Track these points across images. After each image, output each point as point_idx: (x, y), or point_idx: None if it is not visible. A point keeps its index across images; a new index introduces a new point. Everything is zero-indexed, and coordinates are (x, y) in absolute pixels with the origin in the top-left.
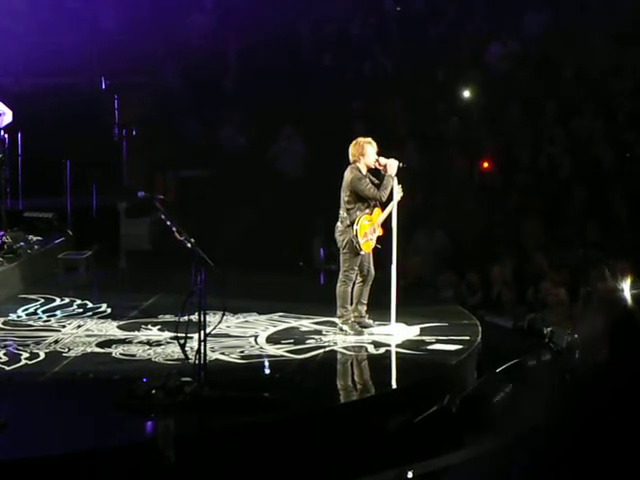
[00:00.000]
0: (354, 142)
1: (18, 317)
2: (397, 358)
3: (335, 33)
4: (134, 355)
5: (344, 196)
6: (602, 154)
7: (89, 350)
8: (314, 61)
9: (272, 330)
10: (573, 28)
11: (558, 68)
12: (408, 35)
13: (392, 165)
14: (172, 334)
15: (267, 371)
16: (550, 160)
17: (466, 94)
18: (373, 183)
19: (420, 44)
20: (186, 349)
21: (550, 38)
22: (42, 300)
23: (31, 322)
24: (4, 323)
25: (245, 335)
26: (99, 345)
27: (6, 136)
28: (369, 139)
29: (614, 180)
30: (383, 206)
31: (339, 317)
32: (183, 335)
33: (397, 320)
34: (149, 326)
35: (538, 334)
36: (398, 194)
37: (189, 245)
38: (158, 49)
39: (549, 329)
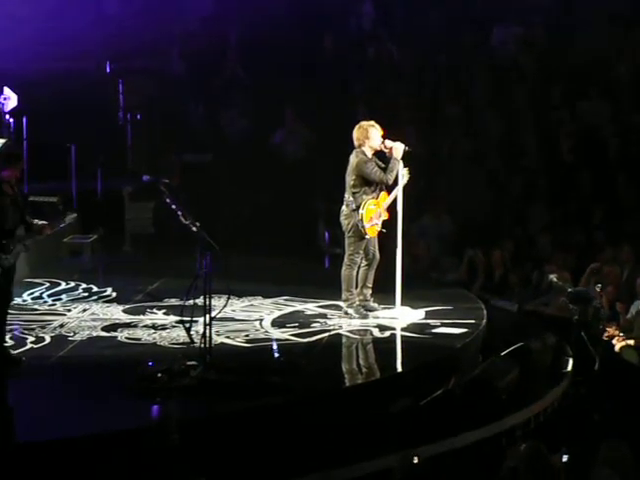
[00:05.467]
0: (357, 126)
1: (24, 301)
2: (402, 341)
3: (339, 16)
4: (139, 339)
5: (350, 180)
6: (608, 137)
7: (94, 334)
8: (317, 45)
9: (277, 314)
10: (577, 11)
11: (563, 52)
12: (412, 19)
13: (398, 148)
14: (177, 318)
15: (272, 355)
16: (555, 143)
17: (471, 78)
18: (379, 167)
19: (424, 28)
20: (191, 333)
21: (553, 22)
22: (47, 284)
23: (36, 306)
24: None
25: (250, 319)
26: (104, 329)
27: (11, 120)
28: (372, 122)
29: (619, 163)
30: (389, 190)
31: (344, 301)
32: (188, 319)
33: (402, 303)
34: (154, 310)
35: (558, 290)
36: (404, 178)
37: (194, 229)
38: (161, 34)
39: (569, 289)
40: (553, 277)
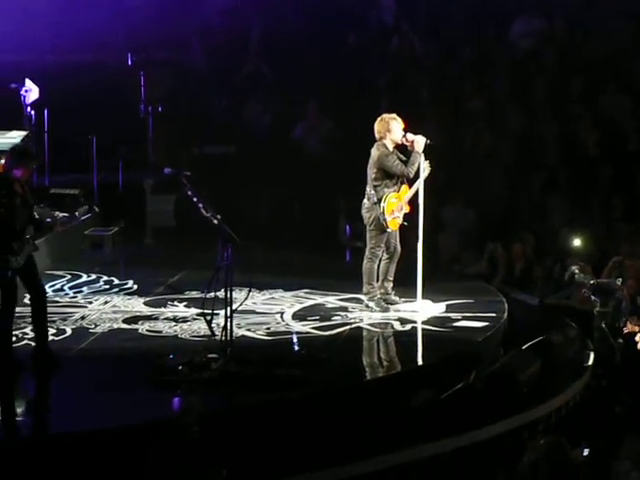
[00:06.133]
0: (379, 119)
1: None
2: (423, 335)
3: (361, 10)
4: (160, 331)
5: (371, 173)
6: (628, 131)
7: (115, 326)
8: (339, 37)
9: (298, 307)
10: (597, 5)
11: (583, 45)
12: (433, 12)
13: (419, 141)
14: (198, 310)
15: (293, 348)
16: (576, 137)
17: (492, 71)
18: (400, 160)
19: (445, 21)
20: (212, 325)
21: (574, 16)
22: (69, 276)
23: (58, 298)
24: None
25: (271, 312)
26: (125, 321)
27: (33, 113)
28: (394, 115)
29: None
30: (410, 183)
31: (365, 294)
32: (209, 311)
33: (423, 297)
34: (175, 302)
35: (580, 283)
36: (425, 171)
37: (215, 221)
38: (183, 26)
39: (592, 281)
40: (575, 269)
